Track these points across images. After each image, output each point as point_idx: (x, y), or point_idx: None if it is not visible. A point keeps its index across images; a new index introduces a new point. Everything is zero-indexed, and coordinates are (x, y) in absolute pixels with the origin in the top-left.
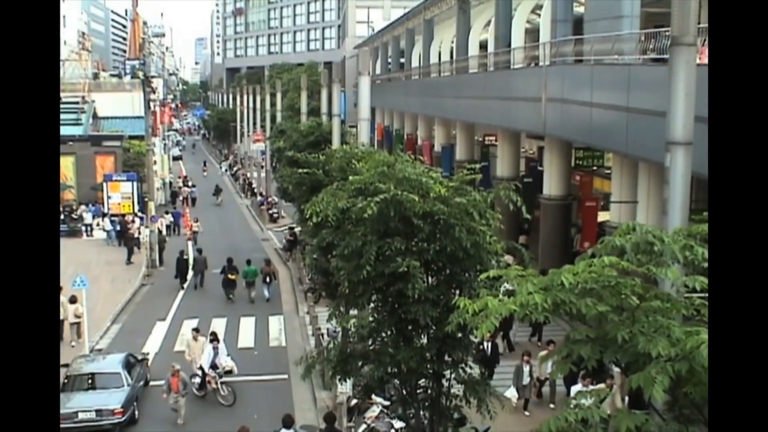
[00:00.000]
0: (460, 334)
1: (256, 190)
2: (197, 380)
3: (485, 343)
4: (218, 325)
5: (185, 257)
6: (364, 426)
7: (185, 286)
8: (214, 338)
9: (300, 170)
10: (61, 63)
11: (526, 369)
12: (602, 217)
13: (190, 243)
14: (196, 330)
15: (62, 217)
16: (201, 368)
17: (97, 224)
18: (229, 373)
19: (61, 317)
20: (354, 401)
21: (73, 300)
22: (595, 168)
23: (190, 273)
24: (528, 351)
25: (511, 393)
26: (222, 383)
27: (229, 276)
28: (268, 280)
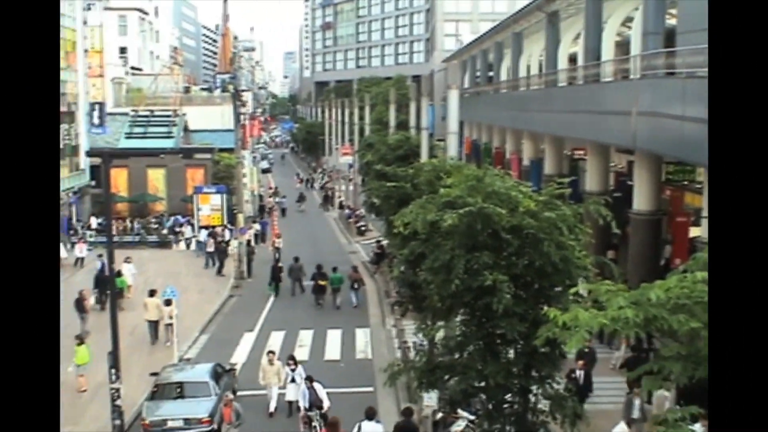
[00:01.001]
0: (548, 349)
1: (343, 203)
2: (272, 405)
3: (577, 372)
4: (305, 338)
5: (280, 264)
6: None
7: (278, 292)
8: (292, 362)
9: (388, 183)
10: (153, 77)
11: (637, 402)
12: (693, 232)
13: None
14: (271, 352)
15: (154, 227)
16: (296, 406)
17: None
18: (320, 409)
19: (157, 318)
20: (439, 415)
21: (167, 303)
22: (686, 183)
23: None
24: (638, 382)
25: (621, 429)
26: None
27: (319, 282)
28: (355, 286)
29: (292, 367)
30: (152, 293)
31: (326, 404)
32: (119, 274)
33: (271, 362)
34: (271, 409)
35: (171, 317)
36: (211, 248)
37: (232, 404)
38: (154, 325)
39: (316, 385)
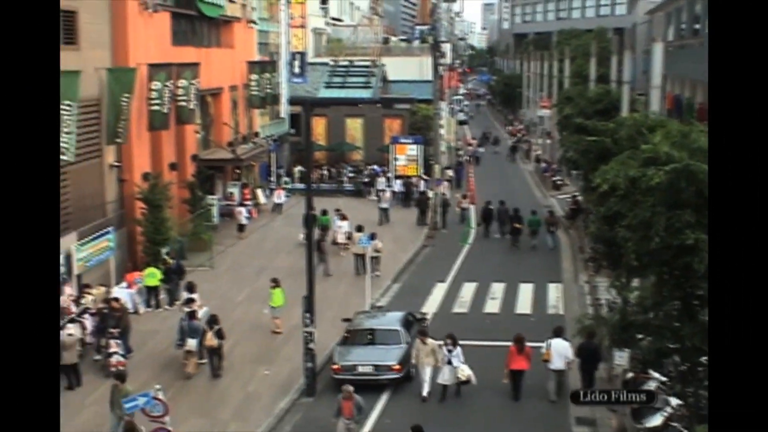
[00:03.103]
0: None
1: (539, 157)
2: (425, 389)
3: None
4: (497, 290)
5: (490, 207)
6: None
7: (488, 234)
8: (451, 342)
9: (587, 138)
10: (353, 28)
11: None
12: None
13: (472, 207)
14: (423, 333)
15: (349, 176)
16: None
17: (388, 186)
18: (465, 383)
19: (362, 252)
20: (630, 374)
21: (372, 237)
22: None
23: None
24: None
25: None
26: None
27: (516, 225)
28: (552, 229)
29: (450, 347)
30: (360, 228)
31: (465, 373)
32: (324, 213)
33: (423, 342)
34: (424, 393)
35: (377, 250)
36: (385, 204)
37: (354, 397)
38: (360, 258)
39: (456, 350)
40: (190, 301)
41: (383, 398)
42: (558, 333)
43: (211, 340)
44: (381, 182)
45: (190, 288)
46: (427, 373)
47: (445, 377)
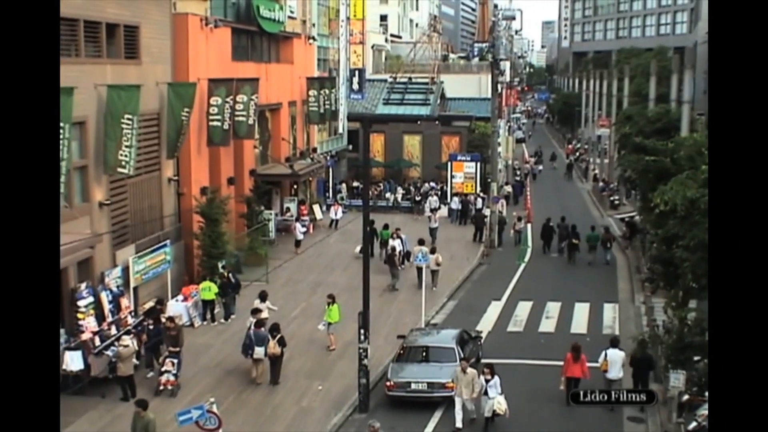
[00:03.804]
0: None
1: (597, 176)
2: (458, 414)
3: None
4: (552, 309)
5: (550, 224)
6: (694, 424)
7: (547, 251)
8: (488, 372)
9: (646, 157)
10: (412, 45)
11: None
12: None
13: (529, 226)
14: (464, 360)
15: (402, 193)
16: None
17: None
18: (497, 416)
19: (424, 266)
20: (686, 397)
21: (433, 251)
22: None
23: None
24: None
25: None
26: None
27: (573, 241)
28: (608, 245)
29: (488, 377)
30: (421, 242)
31: (502, 407)
32: (386, 227)
33: (464, 371)
34: (458, 424)
35: (438, 264)
36: (435, 224)
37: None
38: (419, 271)
39: (494, 381)
40: (256, 311)
41: (432, 423)
42: (614, 343)
43: (274, 347)
44: (433, 201)
45: (263, 297)
46: (463, 404)
47: (483, 409)
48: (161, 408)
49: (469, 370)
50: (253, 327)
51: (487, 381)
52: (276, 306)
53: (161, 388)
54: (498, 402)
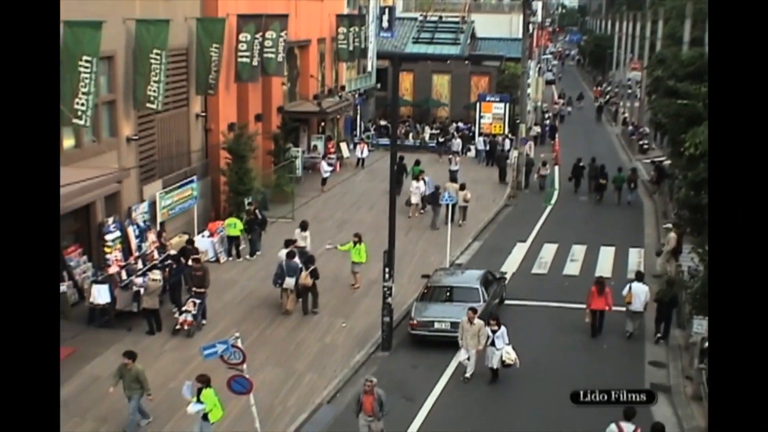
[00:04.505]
0: None
1: (627, 120)
2: (469, 364)
3: None
4: (577, 252)
5: (581, 164)
6: None
7: (577, 191)
8: (495, 323)
9: (678, 101)
10: None
11: None
12: None
13: (556, 168)
14: (473, 310)
15: (432, 133)
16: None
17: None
18: (508, 366)
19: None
20: (707, 344)
21: (462, 187)
22: None
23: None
24: None
25: None
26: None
27: (601, 181)
28: (633, 186)
29: (494, 328)
30: (452, 179)
31: (511, 357)
32: (417, 163)
33: (471, 321)
34: (467, 374)
35: (466, 200)
36: (455, 167)
37: (375, 391)
38: (446, 210)
39: (501, 331)
40: (290, 242)
41: (454, 362)
42: (639, 277)
43: (305, 278)
44: (456, 144)
45: (304, 226)
46: (471, 354)
47: (491, 361)
48: (176, 347)
49: (476, 320)
50: (285, 258)
51: (493, 332)
52: (304, 242)
53: (177, 327)
54: (506, 352)
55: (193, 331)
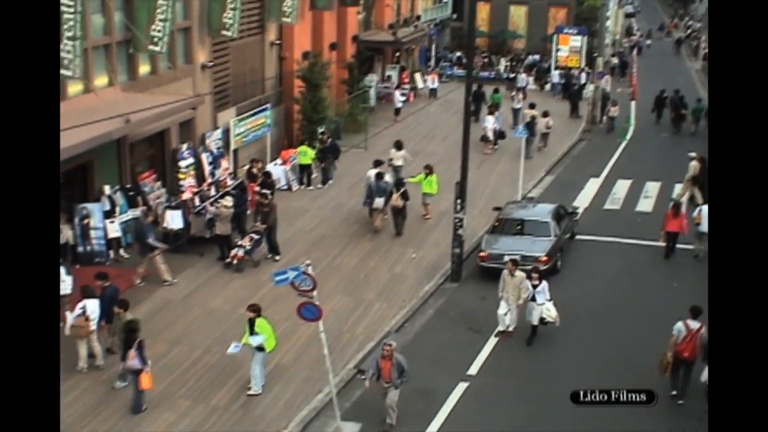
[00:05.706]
0: None
1: (708, 55)
2: (510, 318)
3: None
4: (651, 189)
5: (664, 95)
6: None
7: (659, 122)
8: (536, 276)
9: None
10: None
11: None
12: None
13: (633, 103)
14: (514, 262)
15: (506, 65)
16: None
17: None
18: (546, 324)
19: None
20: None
21: (545, 114)
22: None
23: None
24: None
25: None
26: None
27: (681, 111)
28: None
29: (535, 282)
30: (532, 105)
31: (552, 315)
32: (496, 90)
33: (512, 273)
34: (502, 327)
35: (548, 127)
36: (518, 104)
37: (395, 356)
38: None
39: (542, 285)
40: (379, 163)
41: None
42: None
43: (396, 200)
44: (521, 79)
45: (399, 146)
46: (502, 308)
47: (530, 316)
48: (247, 273)
49: (518, 273)
50: (374, 178)
51: (534, 286)
52: (400, 162)
53: (228, 261)
54: (547, 308)
55: (242, 266)
